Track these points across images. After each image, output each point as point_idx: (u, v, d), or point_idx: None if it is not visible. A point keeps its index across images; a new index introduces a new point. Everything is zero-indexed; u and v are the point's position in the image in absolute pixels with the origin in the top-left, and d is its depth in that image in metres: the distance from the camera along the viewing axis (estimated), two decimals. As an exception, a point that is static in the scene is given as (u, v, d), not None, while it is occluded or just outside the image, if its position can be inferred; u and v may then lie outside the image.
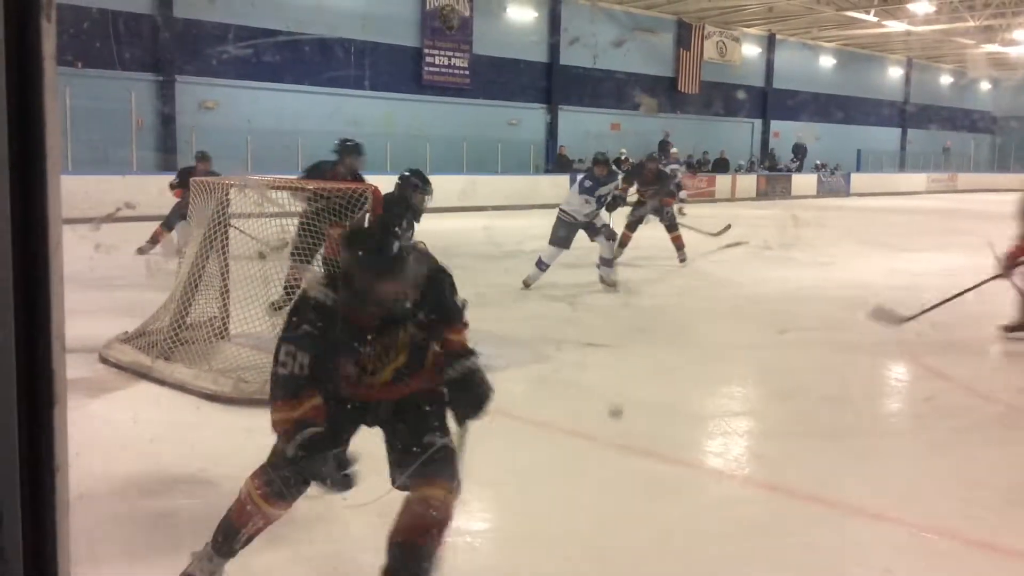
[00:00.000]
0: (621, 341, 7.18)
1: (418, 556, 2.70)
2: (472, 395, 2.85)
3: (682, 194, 20.26)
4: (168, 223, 10.67)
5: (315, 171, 7.41)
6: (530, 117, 26.53)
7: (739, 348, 7.05)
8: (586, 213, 9.08)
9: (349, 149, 7.71)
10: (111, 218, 10.18)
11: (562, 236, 9.11)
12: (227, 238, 6.01)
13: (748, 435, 5.04)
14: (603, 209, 9.30)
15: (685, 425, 5.07)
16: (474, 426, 4.62)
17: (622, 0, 27.97)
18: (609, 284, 9.28)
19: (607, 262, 9.29)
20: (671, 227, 11.19)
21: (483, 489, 4.13)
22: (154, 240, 10.90)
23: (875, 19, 29.69)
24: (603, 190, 9.18)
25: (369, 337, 2.74)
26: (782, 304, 8.86)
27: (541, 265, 9.19)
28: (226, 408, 5.01)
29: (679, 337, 7.48)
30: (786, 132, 33.84)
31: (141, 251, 10.73)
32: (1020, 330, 7.40)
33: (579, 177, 10.15)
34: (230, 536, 2.97)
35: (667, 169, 20.38)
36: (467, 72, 24.58)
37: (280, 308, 6.19)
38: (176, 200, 10.13)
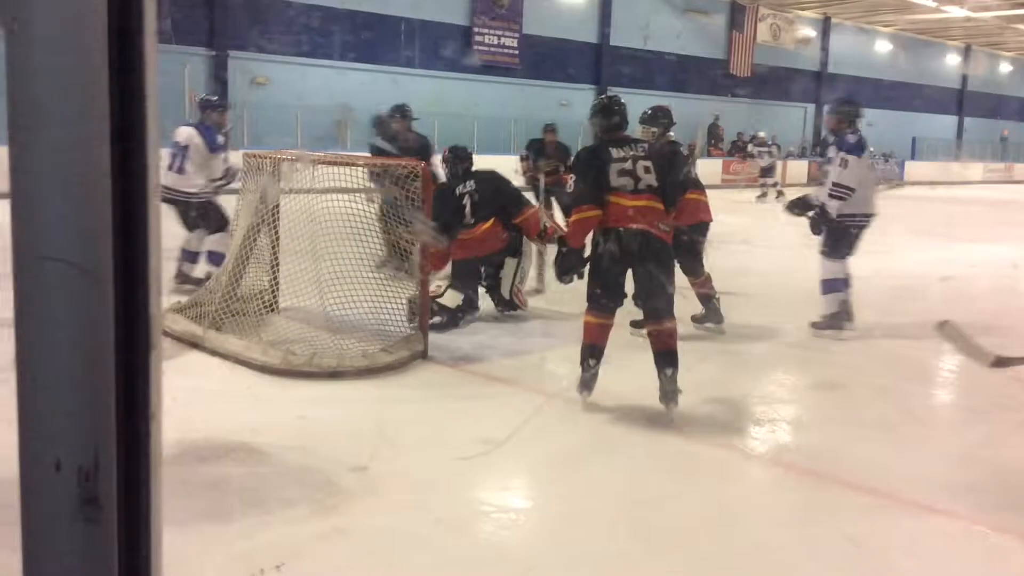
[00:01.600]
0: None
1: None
2: None
3: (772, 179, 20.24)
4: None
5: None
6: (580, 98, 26.38)
7: (787, 335, 6.96)
8: None
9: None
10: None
11: None
12: (278, 212, 6.06)
13: (795, 422, 4.99)
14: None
15: (731, 410, 5.03)
16: (526, 405, 4.65)
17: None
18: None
19: None
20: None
21: (531, 466, 4.15)
22: None
23: (934, 4, 29.02)
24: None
25: None
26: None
27: None
28: (274, 380, 5.07)
29: (726, 322, 7.41)
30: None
31: None
32: None
33: None
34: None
35: (756, 151, 20.25)
36: (516, 51, 24.49)
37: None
38: None
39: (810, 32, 32.18)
